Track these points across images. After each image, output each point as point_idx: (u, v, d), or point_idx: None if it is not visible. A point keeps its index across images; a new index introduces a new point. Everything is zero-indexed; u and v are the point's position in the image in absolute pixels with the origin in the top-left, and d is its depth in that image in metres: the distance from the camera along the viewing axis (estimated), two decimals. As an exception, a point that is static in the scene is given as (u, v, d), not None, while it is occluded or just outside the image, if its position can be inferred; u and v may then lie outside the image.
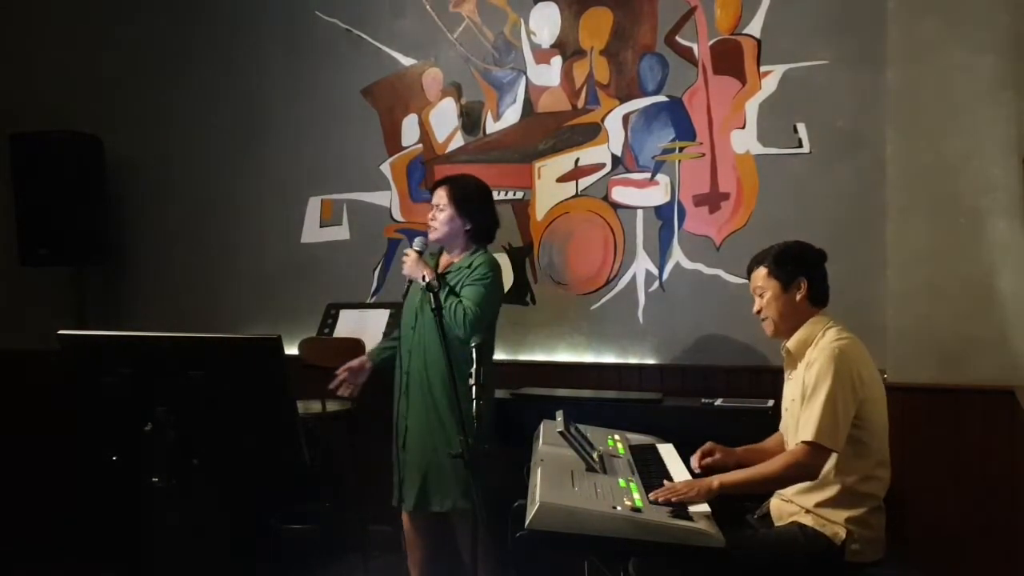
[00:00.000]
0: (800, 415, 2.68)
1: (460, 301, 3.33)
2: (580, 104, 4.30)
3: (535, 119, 4.38)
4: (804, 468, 2.62)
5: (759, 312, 2.87)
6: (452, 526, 3.51)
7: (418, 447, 3.43)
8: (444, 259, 3.53)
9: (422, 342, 3.42)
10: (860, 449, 2.66)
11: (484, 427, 3.39)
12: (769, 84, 4.01)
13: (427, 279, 3.11)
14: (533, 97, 4.38)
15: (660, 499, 2.50)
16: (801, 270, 2.81)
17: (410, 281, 3.46)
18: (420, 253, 3.39)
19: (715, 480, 2.60)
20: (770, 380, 3.63)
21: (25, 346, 4.79)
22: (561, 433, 2.79)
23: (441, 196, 3.47)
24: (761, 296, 2.85)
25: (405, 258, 3.39)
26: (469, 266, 3.44)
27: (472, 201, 3.49)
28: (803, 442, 2.62)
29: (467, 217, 3.47)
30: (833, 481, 2.66)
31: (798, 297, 2.80)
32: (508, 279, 4.39)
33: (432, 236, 3.48)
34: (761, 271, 2.85)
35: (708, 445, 2.91)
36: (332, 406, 4.09)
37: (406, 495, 3.48)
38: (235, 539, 4.02)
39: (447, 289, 3.35)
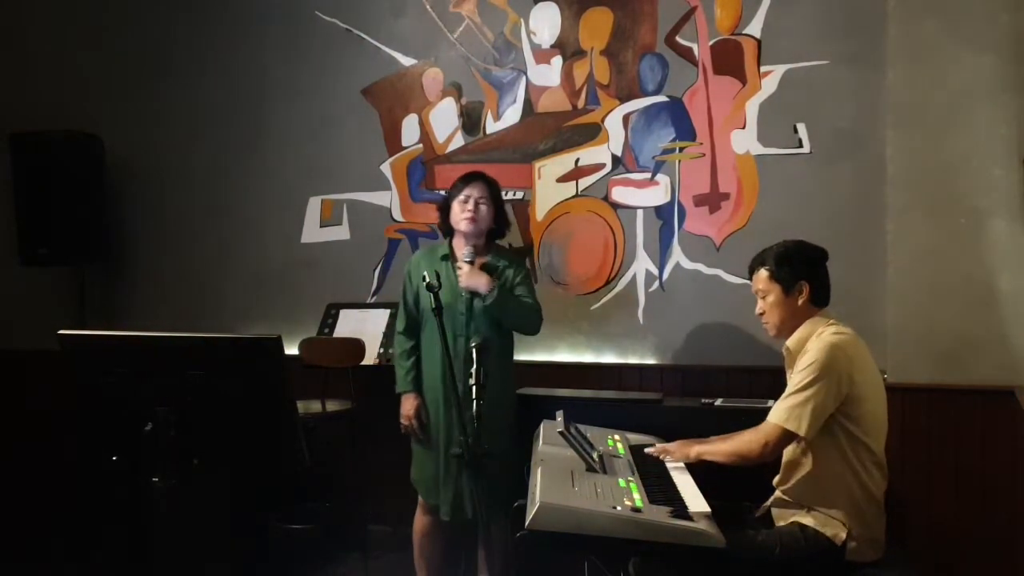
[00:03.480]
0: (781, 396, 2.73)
1: (524, 299, 3.46)
2: (580, 104, 4.30)
3: (535, 119, 4.38)
4: (762, 446, 2.68)
5: (761, 314, 2.87)
6: (472, 528, 3.48)
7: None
8: (477, 260, 3.48)
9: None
10: (856, 447, 2.66)
11: (507, 425, 3.38)
12: (769, 84, 4.01)
13: (427, 278, 3.08)
14: (533, 97, 4.38)
15: (648, 449, 3.00)
16: (802, 273, 2.80)
17: (473, 294, 3.39)
18: (471, 263, 3.40)
19: (693, 450, 2.89)
20: (770, 380, 3.63)
21: (25, 346, 4.79)
22: (561, 433, 2.79)
23: (483, 190, 3.49)
24: (763, 298, 2.85)
25: (460, 272, 3.39)
26: (510, 264, 3.52)
27: (501, 200, 3.59)
28: (771, 423, 2.68)
29: (498, 216, 3.55)
30: (831, 480, 2.66)
31: (800, 301, 2.80)
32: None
33: (470, 228, 3.46)
34: (763, 273, 2.85)
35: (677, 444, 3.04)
36: (332, 406, 4.10)
37: (470, 505, 3.38)
38: (235, 539, 4.02)
39: (508, 290, 3.44)
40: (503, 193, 3.69)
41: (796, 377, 2.68)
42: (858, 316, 3.26)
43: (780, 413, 2.66)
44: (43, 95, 5.06)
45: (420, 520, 3.55)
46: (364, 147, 4.62)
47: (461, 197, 3.48)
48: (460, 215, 3.47)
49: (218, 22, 4.86)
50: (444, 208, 3.56)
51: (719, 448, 2.82)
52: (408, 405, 3.52)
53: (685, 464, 2.93)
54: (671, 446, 2.98)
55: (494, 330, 3.42)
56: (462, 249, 3.48)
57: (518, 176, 4.40)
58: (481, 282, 3.37)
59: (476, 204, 3.47)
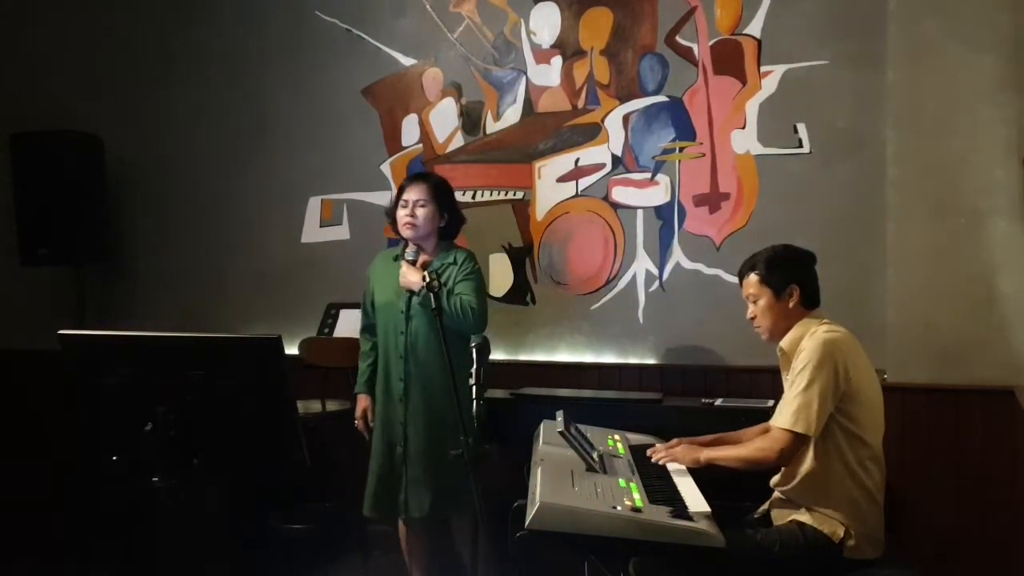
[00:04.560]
0: (782, 400, 2.72)
1: (461, 296, 3.35)
2: (580, 104, 4.30)
3: (535, 119, 4.38)
4: (777, 453, 2.67)
5: (753, 319, 2.89)
6: (450, 527, 3.51)
7: (424, 452, 3.39)
8: (421, 258, 3.44)
9: (417, 346, 3.39)
10: (854, 443, 2.67)
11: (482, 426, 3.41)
12: (769, 84, 4.01)
13: (427, 280, 3.10)
14: (533, 97, 4.38)
15: (654, 458, 2.90)
16: (792, 276, 2.82)
17: (411, 293, 3.35)
18: (413, 263, 3.36)
19: (703, 454, 2.82)
20: (770, 380, 3.62)
21: (25, 346, 4.79)
22: (561, 433, 2.79)
23: (421, 191, 3.41)
24: (755, 303, 2.87)
25: (401, 271, 3.34)
26: (454, 262, 3.45)
27: (447, 197, 3.50)
28: (778, 428, 2.68)
29: (444, 213, 3.46)
30: (829, 479, 2.66)
31: (791, 304, 2.82)
32: (508, 279, 4.40)
33: (412, 233, 3.40)
34: (753, 278, 2.87)
35: (674, 441, 2.98)
36: (332, 406, 4.10)
37: (412, 503, 3.41)
38: (235, 539, 4.02)
39: (445, 289, 3.34)
40: (458, 194, 3.60)
41: (796, 379, 2.68)
42: (858, 316, 3.27)
43: (787, 417, 2.65)
44: (43, 95, 5.06)
45: (401, 524, 3.57)
46: (364, 147, 4.62)
47: (401, 202, 3.44)
48: (400, 222, 3.43)
49: (218, 22, 4.86)
50: (391, 213, 3.51)
51: (730, 455, 2.80)
52: (358, 407, 3.59)
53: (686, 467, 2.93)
54: (677, 451, 2.91)
55: (434, 329, 3.29)
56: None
57: (518, 176, 4.40)
58: (415, 280, 3.30)
59: (413, 208, 3.40)
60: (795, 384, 2.67)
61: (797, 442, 2.66)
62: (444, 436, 3.29)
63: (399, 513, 3.46)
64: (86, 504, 4.54)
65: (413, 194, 3.42)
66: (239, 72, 4.83)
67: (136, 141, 4.97)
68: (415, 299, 3.35)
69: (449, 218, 3.49)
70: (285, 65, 4.75)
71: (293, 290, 4.73)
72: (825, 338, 2.69)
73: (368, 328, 3.62)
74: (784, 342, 2.83)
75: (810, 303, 2.84)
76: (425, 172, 3.57)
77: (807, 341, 2.73)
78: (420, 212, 3.41)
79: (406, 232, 3.42)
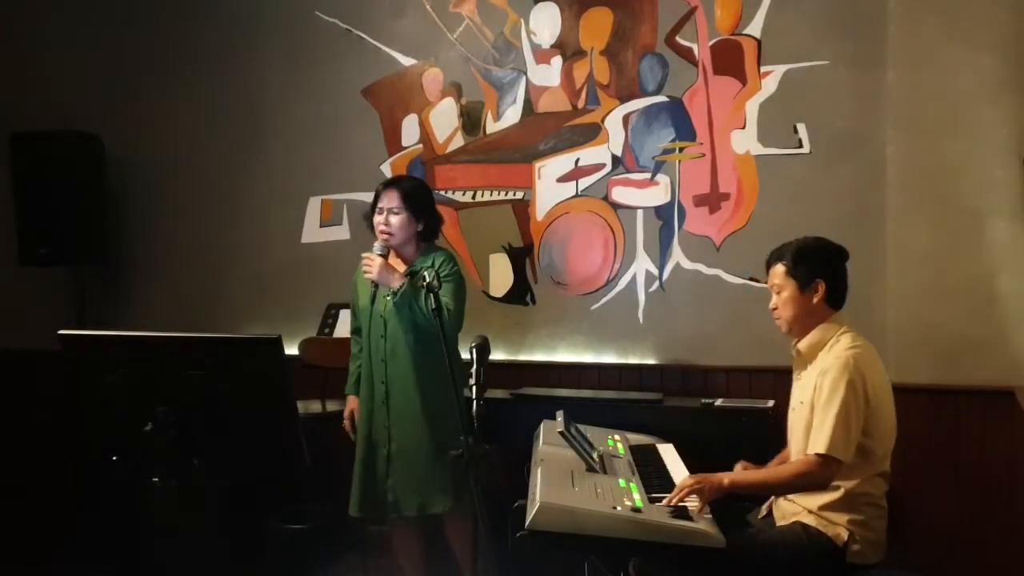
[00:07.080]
0: (812, 424, 2.65)
1: (442, 299, 3.32)
2: (580, 104, 4.30)
3: (535, 119, 4.38)
4: (814, 479, 2.61)
5: (774, 309, 2.81)
6: (442, 524, 3.51)
7: (410, 452, 3.39)
8: (392, 262, 3.42)
9: (396, 348, 3.39)
10: (866, 455, 2.64)
11: (445, 420, 3.36)
12: (769, 84, 4.01)
13: (424, 278, 3.08)
14: (533, 97, 4.38)
15: (674, 502, 2.52)
16: (820, 272, 2.74)
17: (375, 287, 3.36)
18: (384, 257, 3.35)
19: (725, 478, 2.61)
20: (770, 380, 3.64)
21: (25, 346, 4.79)
22: (561, 433, 2.79)
23: (393, 199, 3.39)
24: (778, 293, 2.79)
25: (369, 264, 3.31)
26: (432, 264, 3.41)
27: (422, 200, 3.47)
28: (815, 454, 2.59)
29: (420, 218, 3.43)
30: (836, 484, 2.64)
31: (815, 300, 2.74)
32: (508, 279, 4.40)
33: (389, 241, 3.39)
34: (779, 268, 2.78)
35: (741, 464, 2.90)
36: (332, 406, 4.09)
37: (403, 502, 3.41)
38: (235, 539, 4.02)
39: (428, 286, 3.34)
40: (431, 192, 3.59)
41: (827, 402, 2.61)
42: (859, 316, 3.24)
43: (823, 442, 2.57)
44: (43, 95, 5.05)
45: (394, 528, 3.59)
46: (364, 147, 4.62)
47: (377, 209, 3.43)
48: (376, 229, 3.42)
49: (218, 22, 4.85)
50: (370, 218, 3.49)
51: (765, 481, 2.72)
52: (347, 407, 3.63)
53: (687, 467, 2.93)
54: (695, 489, 2.57)
55: (412, 330, 3.34)
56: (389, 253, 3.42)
57: (518, 176, 4.40)
58: (392, 279, 3.29)
59: (387, 216, 3.39)
60: (827, 408, 2.60)
61: (838, 466, 2.60)
62: (429, 435, 3.34)
63: (387, 513, 3.47)
64: (86, 504, 4.54)
65: (386, 201, 3.41)
66: (239, 72, 4.82)
67: (136, 141, 4.96)
68: (391, 300, 3.33)
69: (426, 222, 3.46)
70: (285, 65, 4.75)
71: (293, 290, 4.72)
72: (850, 358, 2.62)
73: (358, 331, 3.62)
74: (803, 345, 2.77)
75: (835, 302, 2.77)
76: (399, 177, 3.53)
77: (829, 356, 2.68)
78: (394, 220, 3.39)
79: (382, 240, 3.40)
